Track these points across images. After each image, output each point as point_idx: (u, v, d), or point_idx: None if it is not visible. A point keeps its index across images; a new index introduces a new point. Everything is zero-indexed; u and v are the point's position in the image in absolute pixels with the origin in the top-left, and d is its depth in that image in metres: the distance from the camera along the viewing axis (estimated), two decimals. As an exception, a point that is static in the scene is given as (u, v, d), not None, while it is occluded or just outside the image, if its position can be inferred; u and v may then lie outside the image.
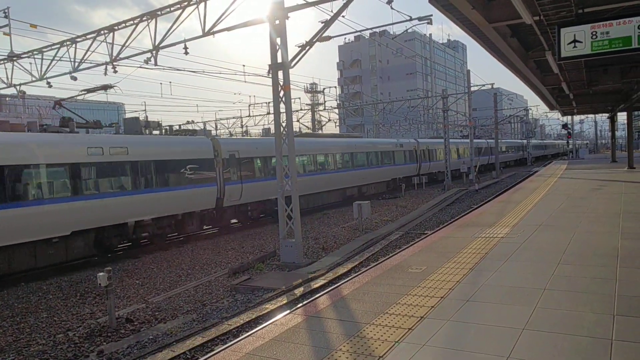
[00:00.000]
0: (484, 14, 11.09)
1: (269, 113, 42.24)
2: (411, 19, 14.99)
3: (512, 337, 4.94)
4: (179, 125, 53.59)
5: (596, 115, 72.95)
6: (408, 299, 6.42)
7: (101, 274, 8.84)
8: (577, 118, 77.73)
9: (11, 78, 19.21)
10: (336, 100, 52.44)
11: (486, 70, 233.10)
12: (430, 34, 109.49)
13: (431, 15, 16.38)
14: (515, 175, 43.04)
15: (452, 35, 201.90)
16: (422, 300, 6.29)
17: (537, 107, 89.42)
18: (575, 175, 27.03)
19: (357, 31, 19.41)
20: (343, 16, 11.87)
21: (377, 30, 21.92)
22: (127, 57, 16.43)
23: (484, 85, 40.28)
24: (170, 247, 16.50)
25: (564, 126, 61.16)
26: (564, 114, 48.51)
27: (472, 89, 39.31)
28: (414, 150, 35.98)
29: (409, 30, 25.92)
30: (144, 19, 15.31)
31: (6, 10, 17.55)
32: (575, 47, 9.22)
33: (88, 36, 16.72)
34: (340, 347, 4.95)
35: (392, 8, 14.03)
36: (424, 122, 60.04)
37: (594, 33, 9.06)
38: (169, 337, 8.31)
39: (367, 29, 19.12)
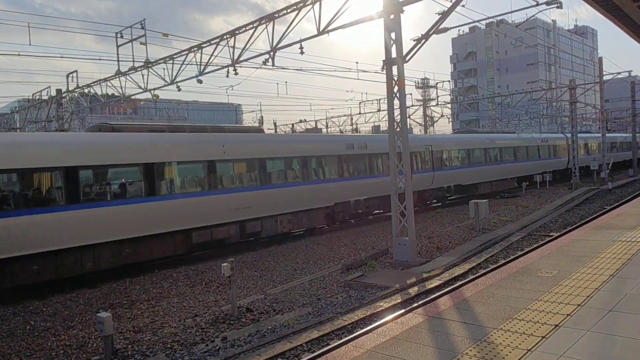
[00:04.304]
0: (626, -8, 9.90)
1: (379, 110, 41.95)
2: (538, 4, 13.79)
3: (671, 355, 4.30)
4: (292, 124, 55.47)
5: None
6: (539, 304, 5.91)
7: (225, 264, 9.35)
8: None
9: (147, 83, 21.13)
10: (449, 95, 50.37)
11: (622, 56, 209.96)
12: (554, 20, 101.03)
13: (560, -2, 14.89)
14: (657, 173, 38.39)
15: (579, 20, 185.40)
16: (555, 307, 5.75)
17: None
18: None
19: (474, 21, 18.47)
20: (462, 6, 11.32)
21: (495, 19, 20.60)
22: (247, 60, 17.25)
23: (619, 73, 36.30)
24: (286, 241, 17.03)
25: None
26: None
27: (605, 77, 35.64)
28: (564, 145, 37.37)
29: (530, 18, 24.10)
30: (262, 22, 15.93)
31: (142, 22, 19.32)
32: None
33: (212, 42, 17.82)
34: (466, 351, 4.67)
35: (515, -7, 13.07)
36: (547, 116, 55.42)
37: None
38: (287, 329, 8.55)
39: (486, 18, 18.03)
